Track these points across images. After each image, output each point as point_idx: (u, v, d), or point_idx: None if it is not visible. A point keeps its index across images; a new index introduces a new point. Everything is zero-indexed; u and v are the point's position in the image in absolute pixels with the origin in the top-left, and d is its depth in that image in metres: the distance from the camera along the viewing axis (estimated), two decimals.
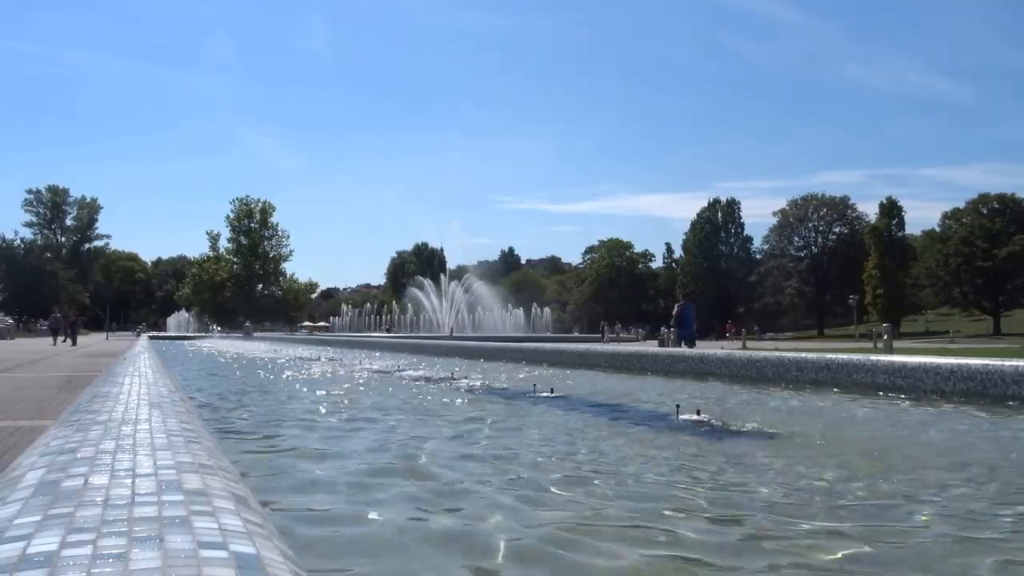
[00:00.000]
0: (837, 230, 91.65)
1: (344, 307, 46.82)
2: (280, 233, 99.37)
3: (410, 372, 15.07)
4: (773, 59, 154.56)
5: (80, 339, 49.82)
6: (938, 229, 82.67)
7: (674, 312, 21.27)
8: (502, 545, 3.15)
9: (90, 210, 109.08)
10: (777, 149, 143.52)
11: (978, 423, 7.41)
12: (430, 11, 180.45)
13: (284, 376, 14.83)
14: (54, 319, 37.51)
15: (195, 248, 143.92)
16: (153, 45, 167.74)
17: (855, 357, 11.53)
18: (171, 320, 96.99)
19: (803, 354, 12.94)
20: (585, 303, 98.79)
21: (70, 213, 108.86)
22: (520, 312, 72.27)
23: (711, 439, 6.12)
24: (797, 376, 11.96)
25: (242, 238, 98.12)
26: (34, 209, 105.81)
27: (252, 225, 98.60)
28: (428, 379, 13.06)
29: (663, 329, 42.63)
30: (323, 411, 8.28)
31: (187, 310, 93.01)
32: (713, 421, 6.79)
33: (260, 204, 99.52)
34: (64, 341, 33.64)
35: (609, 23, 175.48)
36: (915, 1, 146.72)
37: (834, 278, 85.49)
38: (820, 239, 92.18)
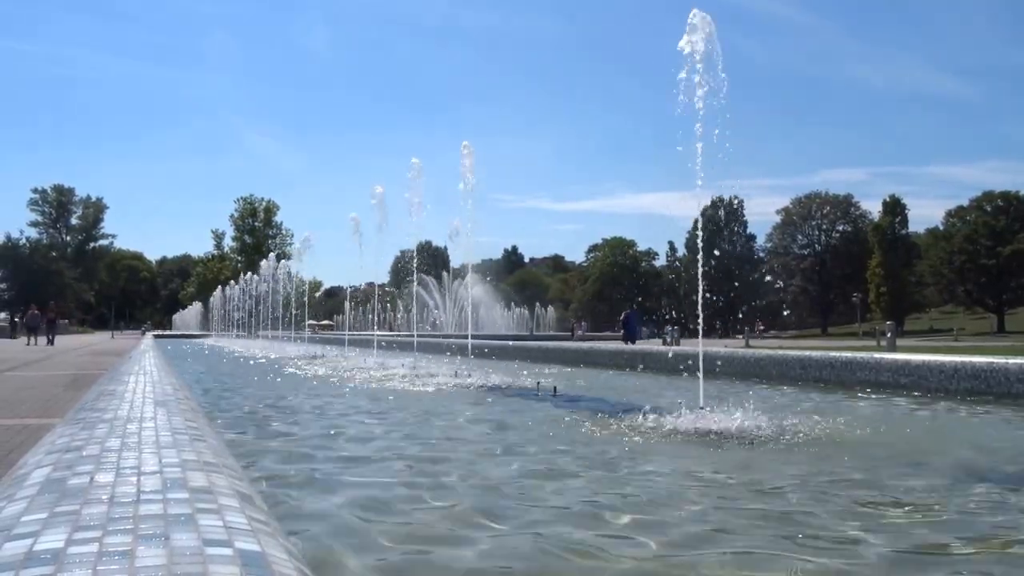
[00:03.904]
0: (840, 228, 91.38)
1: (347, 305, 46.81)
2: (284, 232, 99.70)
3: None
4: (775, 57, 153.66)
5: (85, 338, 49.79)
6: (942, 227, 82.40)
7: (621, 318, 30.44)
8: None
9: (95, 209, 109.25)
10: (779, 147, 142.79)
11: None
12: (430, 11, 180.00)
13: None
14: (32, 316, 32.71)
15: (200, 247, 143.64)
16: (154, 45, 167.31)
17: (859, 355, 11.52)
18: (177, 317, 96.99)
19: (807, 352, 12.94)
20: (588, 302, 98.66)
21: (75, 212, 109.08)
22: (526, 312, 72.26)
23: (717, 435, 6.12)
24: (801, 374, 11.95)
25: (246, 237, 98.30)
26: (39, 208, 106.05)
27: (256, 224, 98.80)
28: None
29: (667, 328, 42.98)
30: None
31: None
32: (718, 419, 6.78)
33: (264, 203, 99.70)
34: (46, 342, 29.23)
35: (610, 22, 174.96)
36: None
37: (837, 276, 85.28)
38: (823, 237, 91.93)
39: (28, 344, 28.24)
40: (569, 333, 59.23)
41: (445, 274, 65.95)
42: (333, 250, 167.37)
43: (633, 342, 27.11)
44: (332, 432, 6.70)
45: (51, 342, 29.27)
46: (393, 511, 3.77)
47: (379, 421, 7.69)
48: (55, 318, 33.72)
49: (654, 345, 28.12)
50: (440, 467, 4.96)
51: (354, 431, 6.87)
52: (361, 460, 5.29)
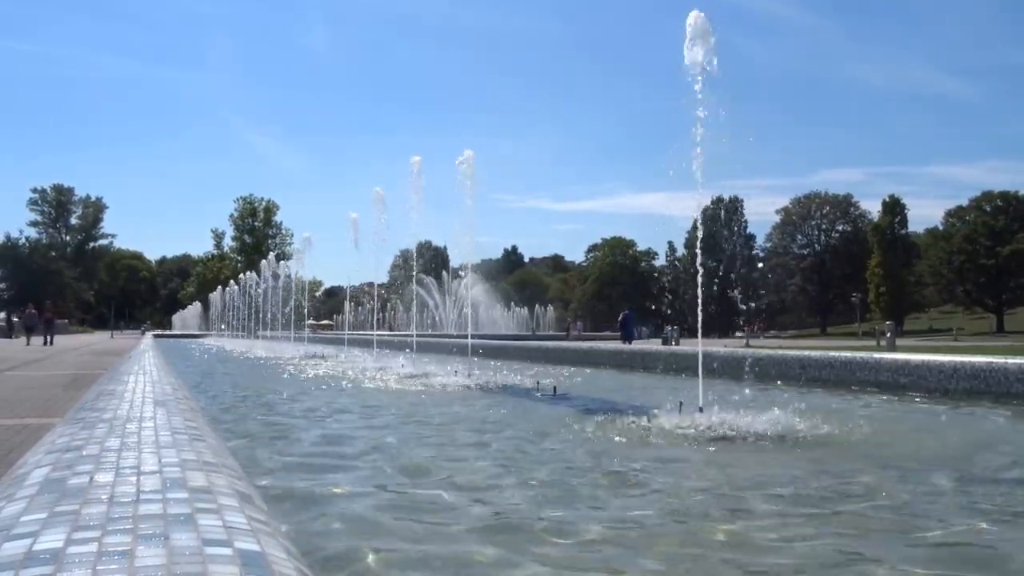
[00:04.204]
0: (840, 228, 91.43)
1: (347, 305, 46.87)
2: (284, 232, 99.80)
3: None
4: (774, 56, 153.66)
5: (84, 338, 49.77)
6: (941, 227, 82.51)
7: (619, 319, 32.92)
8: None
9: (95, 209, 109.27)
10: (779, 147, 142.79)
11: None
12: (430, 11, 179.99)
13: None
14: (28, 316, 31.68)
15: (199, 247, 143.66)
16: (154, 45, 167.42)
17: (858, 355, 11.52)
18: (176, 318, 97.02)
19: (806, 352, 12.93)
20: (587, 302, 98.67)
21: (75, 212, 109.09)
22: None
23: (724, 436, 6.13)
24: (800, 374, 11.95)
25: (246, 237, 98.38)
26: (39, 208, 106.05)
27: (256, 224, 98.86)
28: None
29: (667, 328, 43.16)
30: None
31: None
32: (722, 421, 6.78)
33: (264, 203, 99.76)
34: (43, 342, 28.27)
35: (609, 22, 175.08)
36: None
37: (837, 276, 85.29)
38: (823, 237, 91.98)
39: (27, 344, 27.61)
40: (565, 333, 59.90)
41: (445, 274, 65.95)
42: (333, 250, 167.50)
43: (630, 342, 28.24)
44: (327, 436, 6.71)
45: (49, 342, 28.49)
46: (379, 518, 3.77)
47: (380, 421, 7.69)
48: (52, 318, 32.49)
49: (653, 345, 28.14)
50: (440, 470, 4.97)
51: (355, 433, 6.87)
52: (350, 466, 5.30)
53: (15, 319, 38.31)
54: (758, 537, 3.31)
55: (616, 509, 3.84)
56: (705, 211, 8.08)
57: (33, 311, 32.08)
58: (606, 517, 3.66)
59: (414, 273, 25.77)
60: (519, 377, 12.98)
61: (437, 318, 66.01)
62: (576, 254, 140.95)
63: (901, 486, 4.36)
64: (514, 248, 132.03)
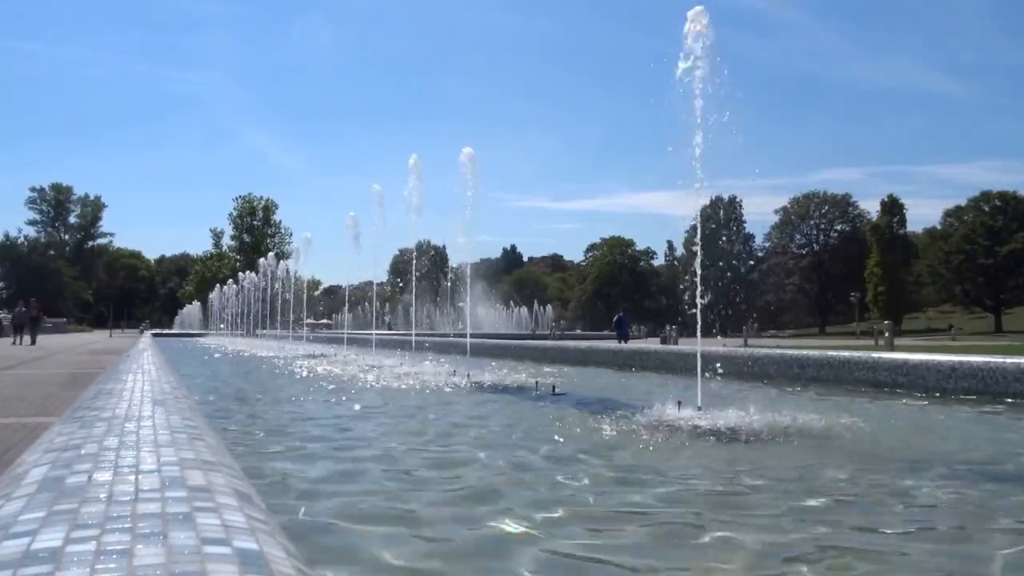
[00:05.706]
0: (839, 228, 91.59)
1: (346, 304, 47.04)
2: (283, 231, 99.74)
3: None
4: (773, 56, 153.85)
5: (83, 337, 49.69)
6: (939, 227, 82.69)
7: (615, 319, 32.97)
8: None
9: (93, 208, 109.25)
10: (778, 147, 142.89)
11: None
12: (430, 11, 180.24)
13: None
14: (18, 314, 29.93)
15: (198, 246, 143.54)
16: (154, 44, 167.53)
17: (856, 354, 11.52)
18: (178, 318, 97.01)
19: (805, 352, 12.93)
20: (587, 301, 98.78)
21: (74, 211, 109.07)
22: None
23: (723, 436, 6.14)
24: (799, 373, 11.95)
25: (245, 236, 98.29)
26: (38, 207, 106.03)
27: (255, 223, 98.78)
28: None
29: (667, 327, 43.42)
30: None
31: None
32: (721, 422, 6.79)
33: (263, 202, 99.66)
34: (26, 341, 27.14)
35: (609, 21, 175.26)
36: None
37: (836, 276, 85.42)
38: (822, 237, 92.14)
39: (14, 343, 26.56)
40: (549, 332, 61.54)
41: (443, 273, 65.93)
42: (332, 249, 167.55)
43: (626, 341, 28.60)
44: (319, 435, 6.71)
45: (33, 341, 27.19)
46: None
47: (380, 419, 7.70)
48: (39, 315, 30.84)
49: (652, 344, 28.22)
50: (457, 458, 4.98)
51: (352, 434, 6.87)
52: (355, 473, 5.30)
53: (5, 316, 37.53)
54: (751, 524, 3.32)
55: (619, 506, 3.85)
56: (704, 211, 8.08)
57: (23, 309, 30.44)
58: (605, 510, 3.67)
59: (413, 272, 25.79)
60: (518, 376, 12.97)
61: (436, 317, 66.09)
62: (575, 253, 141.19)
63: (873, 481, 4.37)
64: (513, 247, 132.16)
